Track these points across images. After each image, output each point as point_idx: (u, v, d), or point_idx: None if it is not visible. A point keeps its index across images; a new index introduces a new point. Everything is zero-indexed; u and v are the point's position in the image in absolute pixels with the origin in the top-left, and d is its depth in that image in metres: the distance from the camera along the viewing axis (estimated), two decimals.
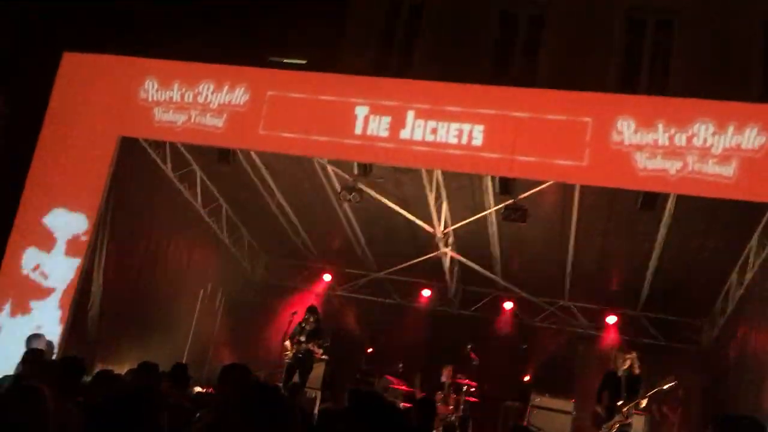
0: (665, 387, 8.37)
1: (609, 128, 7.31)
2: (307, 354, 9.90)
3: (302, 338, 9.92)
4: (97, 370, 8.36)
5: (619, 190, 8.52)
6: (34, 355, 5.90)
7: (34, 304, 8.54)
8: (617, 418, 8.36)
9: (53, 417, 2.70)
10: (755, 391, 7.62)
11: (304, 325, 10.04)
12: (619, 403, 8.30)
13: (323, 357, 10.30)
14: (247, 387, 4.47)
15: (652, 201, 7.89)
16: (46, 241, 8.70)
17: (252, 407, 3.73)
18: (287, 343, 10.04)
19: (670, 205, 8.68)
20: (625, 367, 8.43)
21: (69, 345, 8.46)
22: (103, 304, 9.60)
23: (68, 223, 8.71)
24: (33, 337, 6.86)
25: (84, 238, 8.70)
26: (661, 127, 7.15)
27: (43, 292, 8.58)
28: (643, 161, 7.18)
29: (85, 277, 8.87)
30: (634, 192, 7.91)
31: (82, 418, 3.27)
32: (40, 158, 9.01)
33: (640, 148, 7.19)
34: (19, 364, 5.97)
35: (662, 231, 9.39)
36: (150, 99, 8.76)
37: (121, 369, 7.75)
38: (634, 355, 8.55)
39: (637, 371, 8.44)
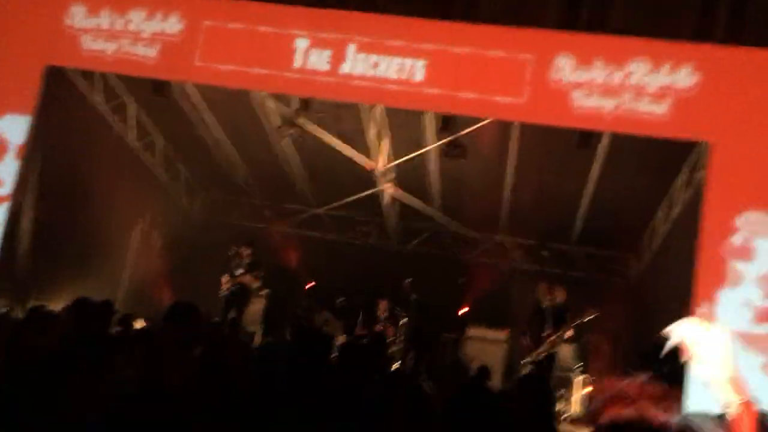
0: (585, 319, 8.82)
1: (548, 65, 7.35)
2: (243, 288, 9.87)
3: (238, 272, 9.88)
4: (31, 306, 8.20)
5: (556, 128, 8.67)
6: None
7: None
8: (542, 348, 8.79)
9: None
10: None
11: (237, 258, 9.99)
12: (544, 333, 8.70)
13: (260, 289, 10.25)
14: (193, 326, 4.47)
15: (587, 139, 8.06)
16: None
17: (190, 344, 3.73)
18: (223, 278, 10.01)
19: (604, 143, 8.89)
20: (549, 299, 8.84)
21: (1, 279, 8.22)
22: (35, 241, 9.33)
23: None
24: None
25: None
26: (599, 65, 7.24)
27: None
28: (580, 99, 7.27)
29: (13, 213, 8.54)
30: (571, 130, 8.06)
31: None
32: None
33: (578, 86, 7.28)
34: None
35: (595, 169, 9.64)
36: (77, 26, 8.33)
37: (57, 305, 7.59)
38: (560, 287, 8.96)
39: (562, 302, 8.84)
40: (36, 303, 7.91)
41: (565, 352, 10.39)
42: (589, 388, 10.01)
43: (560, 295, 8.97)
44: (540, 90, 7.41)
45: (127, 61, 8.23)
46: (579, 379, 10.17)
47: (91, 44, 8.27)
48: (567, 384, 9.95)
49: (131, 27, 8.21)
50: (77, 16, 8.33)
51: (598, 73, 7.22)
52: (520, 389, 4.48)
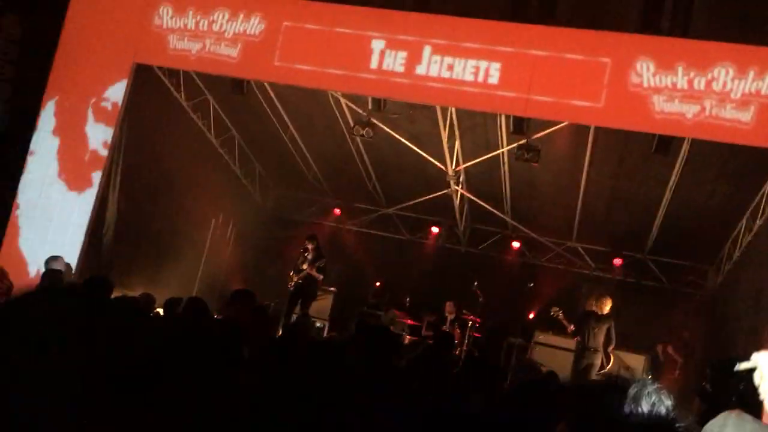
0: (552, 314, 9.26)
1: (628, 69, 7.21)
2: (308, 279, 10.08)
3: (303, 266, 10.09)
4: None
5: (633, 133, 8.48)
6: (54, 275, 6.05)
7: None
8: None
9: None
10: (756, 336, 7.75)
11: (304, 253, 10.20)
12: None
13: (327, 285, 10.38)
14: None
15: (666, 145, 7.86)
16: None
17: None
18: (291, 273, 10.26)
19: (684, 149, 8.64)
20: (599, 307, 8.79)
21: (85, 268, 8.64)
22: (117, 230, 9.77)
23: None
24: (51, 259, 7.00)
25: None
26: (680, 70, 7.05)
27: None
28: (660, 104, 7.11)
29: (100, 203, 8.98)
30: (648, 135, 7.88)
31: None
32: (54, 85, 9.00)
33: (658, 90, 7.11)
34: (39, 285, 6.13)
35: (674, 176, 9.38)
36: (165, 26, 8.68)
37: (134, 293, 7.94)
38: (608, 299, 8.95)
39: (605, 312, 8.83)
40: (117, 292, 8.28)
41: (636, 363, 10.17)
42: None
43: (606, 306, 8.94)
44: (619, 94, 7.27)
45: (210, 60, 8.52)
46: None
47: (177, 43, 8.61)
48: None
49: (215, 27, 8.50)
50: (165, 16, 8.68)
51: (679, 78, 7.04)
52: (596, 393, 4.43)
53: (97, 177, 8.79)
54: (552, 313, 9.71)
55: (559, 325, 9.55)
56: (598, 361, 8.73)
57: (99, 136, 8.82)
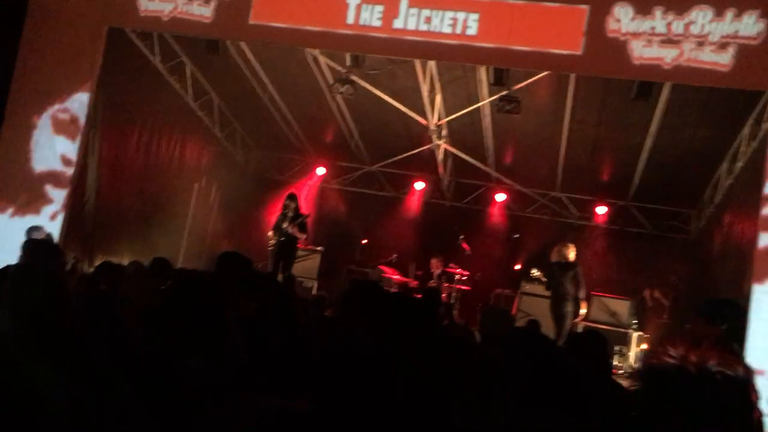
0: (531, 275, 9.71)
1: (606, 16, 7.15)
2: (288, 238, 10.01)
3: (284, 225, 10.03)
4: (96, 261, 8.59)
5: (613, 80, 8.47)
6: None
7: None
8: None
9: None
10: (738, 277, 7.88)
11: (285, 212, 10.13)
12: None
13: (303, 236, 10.29)
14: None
15: (646, 91, 7.84)
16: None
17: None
18: (270, 233, 10.20)
19: (664, 94, 8.64)
20: (563, 256, 8.97)
21: (68, 238, 8.59)
22: (99, 198, 9.69)
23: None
24: (32, 229, 6.95)
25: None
26: (659, 14, 7.00)
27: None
28: (639, 50, 7.07)
29: (80, 172, 8.88)
30: (629, 82, 7.86)
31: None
32: (25, 53, 8.80)
33: (636, 36, 7.07)
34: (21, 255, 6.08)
35: (655, 121, 9.40)
36: None
37: (119, 260, 7.93)
38: (571, 246, 9.18)
39: (570, 260, 9.02)
40: (103, 258, 8.26)
41: (621, 308, 10.35)
42: (645, 345, 9.96)
43: (571, 253, 9.08)
44: (597, 41, 7.22)
45: (183, 21, 8.35)
46: (635, 336, 10.12)
47: (148, 5, 8.42)
48: (624, 340, 9.92)
49: None
50: None
51: (657, 22, 6.99)
52: (577, 342, 4.50)
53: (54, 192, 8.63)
54: (531, 275, 9.85)
55: (541, 282, 9.71)
56: (570, 308, 8.88)
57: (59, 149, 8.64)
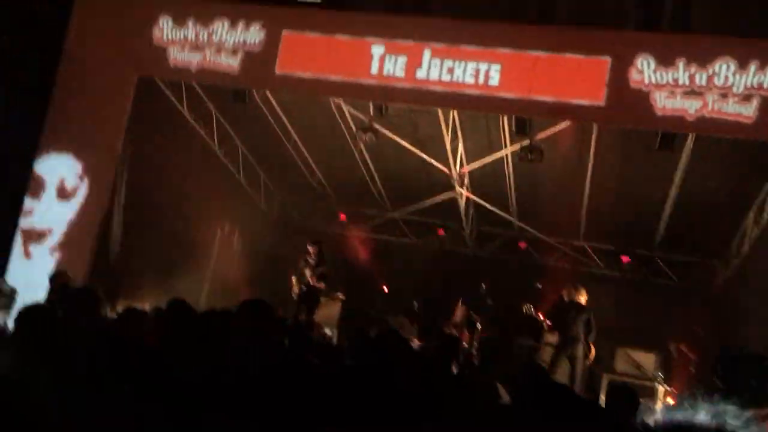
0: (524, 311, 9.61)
1: (628, 67, 7.20)
2: (310, 287, 10.02)
3: (306, 272, 10.05)
4: (119, 306, 8.62)
5: (636, 130, 8.47)
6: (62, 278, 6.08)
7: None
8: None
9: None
10: (766, 329, 7.71)
11: (307, 257, 10.16)
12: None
13: (322, 287, 10.26)
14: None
15: (669, 141, 7.83)
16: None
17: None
18: (293, 278, 10.21)
19: (688, 144, 8.62)
20: (578, 298, 8.91)
21: (92, 283, 8.66)
22: (124, 243, 9.79)
23: (56, 168, 8.83)
24: (58, 274, 7.01)
25: (72, 183, 8.80)
26: (681, 65, 7.03)
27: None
28: (662, 100, 7.09)
29: (106, 217, 9.01)
30: (652, 132, 7.86)
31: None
32: (59, 100, 9.03)
33: (659, 87, 7.10)
34: (47, 296, 6.15)
35: (679, 172, 9.35)
36: (165, 38, 8.71)
37: (143, 306, 7.95)
38: (583, 289, 9.09)
39: (583, 302, 8.98)
40: (126, 303, 8.30)
41: (647, 361, 10.13)
42: (670, 399, 9.71)
43: (583, 296, 9.00)
44: (620, 92, 7.26)
45: (211, 71, 8.55)
46: (661, 389, 9.88)
47: (177, 55, 8.63)
48: (650, 393, 9.68)
49: (215, 38, 8.52)
50: (165, 28, 8.71)
51: (680, 73, 7.01)
52: (612, 398, 4.44)
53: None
54: (524, 311, 9.72)
55: (532, 322, 9.59)
56: (581, 353, 8.74)
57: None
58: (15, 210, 8.83)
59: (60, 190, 8.85)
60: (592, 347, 8.91)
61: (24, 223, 8.82)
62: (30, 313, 3.79)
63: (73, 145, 8.90)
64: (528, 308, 9.40)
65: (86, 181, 8.85)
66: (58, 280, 6.57)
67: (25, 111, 8.83)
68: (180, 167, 10.74)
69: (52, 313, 3.85)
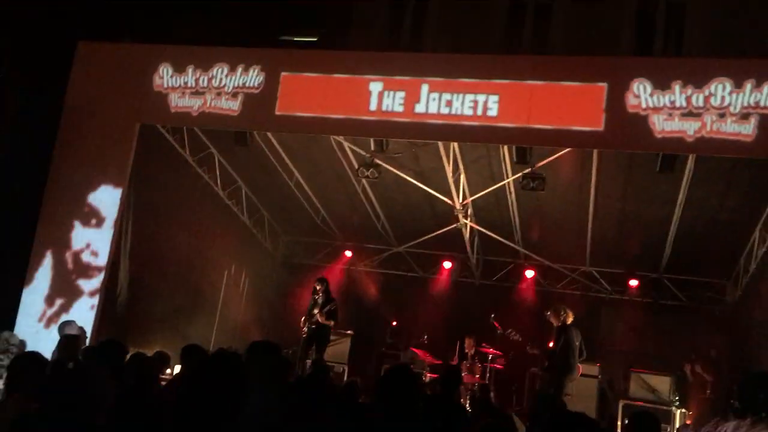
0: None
1: (625, 92, 7.27)
2: (319, 325, 9.97)
3: (314, 311, 10.01)
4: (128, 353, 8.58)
5: (637, 153, 8.50)
6: (69, 340, 6.06)
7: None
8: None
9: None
10: None
11: (315, 296, 10.13)
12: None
13: (332, 324, 10.19)
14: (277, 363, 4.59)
15: (670, 163, 7.86)
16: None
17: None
18: (303, 319, 10.18)
19: (689, 165, 8.64)
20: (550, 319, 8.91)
21: (101, 331, 8.64)
22: (131, 290, 9.79)
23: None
24: (66, 324, 7.02)
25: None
26: (677, 88, 7.09)
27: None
28: (660, 123, 7.14)
29: (112, 265, 9.02)
30: (653, 155, 7.89)
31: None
32: (61, 150, 9.12)
33: (657, 110, 7.15)
34: (55, 350, 6.13)
35: (682, 192, 9.36)
36: (165, 85, 8.83)
37: (150, 352, 7.92)
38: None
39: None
40: (134, 350, 8.27)
41: (662, 385, 10.02)
42: (689, 422, 9.58)
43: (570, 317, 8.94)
44: (618, 117, 7.32)
45: (213, 115, 8.64)
46: (678, 413, 9.76)
47: (178, 101, 8.74)
48: (667, 418, 9.56)
49: (215, 83, 8.64)
50: (165, 76, 8.83)
51: (677, 96, 7.07)
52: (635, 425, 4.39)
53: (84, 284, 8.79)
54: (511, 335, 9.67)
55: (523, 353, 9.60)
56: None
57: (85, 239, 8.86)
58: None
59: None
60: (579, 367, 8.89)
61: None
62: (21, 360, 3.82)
63: (79, 196, 8.95)
64: (513, 334, 9.39)
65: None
66: (65, 330, 6.57)
67: (31, 160, 8.92)
68: (184, 210, 10.79)
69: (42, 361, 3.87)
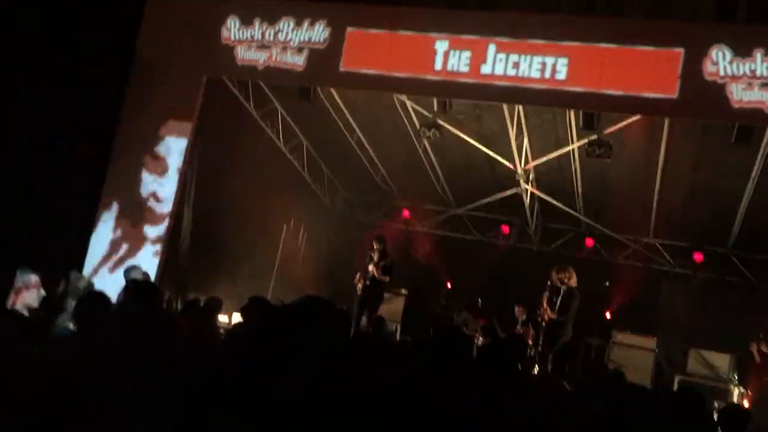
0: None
1: (702, 58, 6.95)
2: (374, 281, 9.99)
3: (369, 267, 10.04)
4: (189, 299, 8.86)
5: (710, 123, 8.17)
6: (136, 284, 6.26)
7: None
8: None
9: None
10: None
11: (371, 254, 10.15)
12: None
13: (386, 280, 10.21)
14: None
15: (747, 134, 7.51)
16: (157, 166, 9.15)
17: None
18: (357, 275, 10.24)
19: (766, 137, 8.26)
20: (567, 281, 8.71)
21: (164, 277, 8.93)
22: (193, 238, 10.05)
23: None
24: (131, 269, 7.25)
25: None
26: (759, 56, 6.74)
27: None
28: (739, 93, 6.82)
29: (176, 213, 9.26)
30: (728, 125, 7.56)
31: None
32: (131, 101, 9.33)
33: (736, 79, 6.82)
34: (120, 293, 6.35)
35: (756, 166, 8.97)
36: (233, 38, 8.88)
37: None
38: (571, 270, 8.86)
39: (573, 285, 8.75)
40: (193, 296, 8.53)
41: (721, 362, 9.80)
42: (747, 403, 9.35)
43: (573, 278, 8.72)
44: (694, 84, 7.02)
45: (277, 69, 8.67)
46: (736, 392, 9.53)
47: (245, 54, 8.79)
48: (723, 396, 9.36)
49: (281, 37, 8.64)
50: (233, 28, 8.88)
51: (758, 65, 6.72)
52: (677, 398, 4.31)
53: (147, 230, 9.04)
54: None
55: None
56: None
57: (150, 187, 9.10)
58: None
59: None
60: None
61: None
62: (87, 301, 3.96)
63: (147, 145, 9.18)
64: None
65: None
66: (130, 275, 6.79)
67: (100, 110, 9.15)
68: (247, 164, 10.95)
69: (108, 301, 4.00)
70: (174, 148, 9.04)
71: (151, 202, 9.03)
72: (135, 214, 9.09)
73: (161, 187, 9.04)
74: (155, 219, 9.01)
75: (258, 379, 2.30)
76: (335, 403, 2.47)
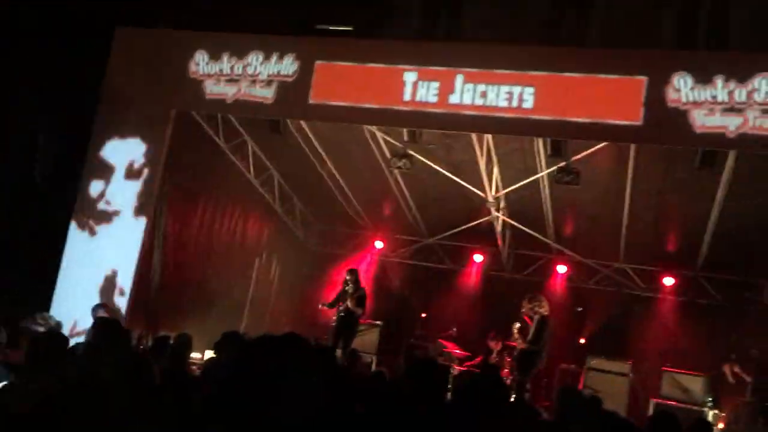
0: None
1: (665, 85, 7.11)
2: (348, 313, 9.98)
3: (344, 300, 10.03)
4: (159, 335, 8.70)
5: (675, 148, 8.32)
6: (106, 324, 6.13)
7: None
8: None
9: None
10: None
11: (345, 287, 10.15)
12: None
13: (360, 312, 10.20)
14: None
15: (711, 158, 7.68)
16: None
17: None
18: (324, 306, 10.24)
19: (729, 162, 8.43)
20: (539, 309, 8.97)
21: (134, 314, 8.77)
22: (164, 276, 9.91)
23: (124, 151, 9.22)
24: (98, 307, 7.13)
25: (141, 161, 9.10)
26: (720, 82, 6.91)
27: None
28: (701, 118, 6.98)
29: (147, 251, 9.14)
30: (692, 150, 7.72)
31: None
32: (98, 135, 9.25)
33: (697, 105, 6.98)
34: (89, 331, 6.21)
35: (722, 189, 9.15)
36: (201, 72, 8.88)
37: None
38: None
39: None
40: (163, 333, 8.38)
41: (695, 385, 9.85)
42: (721, 425, 9.39)
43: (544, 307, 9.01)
44: (657, 111, 7.17)
45: (246, 103, 8.68)
46: (710, 414, 9.57)
47: (213, 88, 8.79)
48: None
49: (249, 70, 8.67)
50: (201, 62, 8.89)
51: (719, 91, 6.89)
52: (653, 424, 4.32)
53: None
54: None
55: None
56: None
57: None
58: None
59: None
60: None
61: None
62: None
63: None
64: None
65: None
66: (98, 313, 6.67)
67: (69, 145, 9.08)
68: (217, 197, 10.88)
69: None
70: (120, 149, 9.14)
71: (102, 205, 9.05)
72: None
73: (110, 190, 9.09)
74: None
75: (237, 413, 2.25)
76: None
